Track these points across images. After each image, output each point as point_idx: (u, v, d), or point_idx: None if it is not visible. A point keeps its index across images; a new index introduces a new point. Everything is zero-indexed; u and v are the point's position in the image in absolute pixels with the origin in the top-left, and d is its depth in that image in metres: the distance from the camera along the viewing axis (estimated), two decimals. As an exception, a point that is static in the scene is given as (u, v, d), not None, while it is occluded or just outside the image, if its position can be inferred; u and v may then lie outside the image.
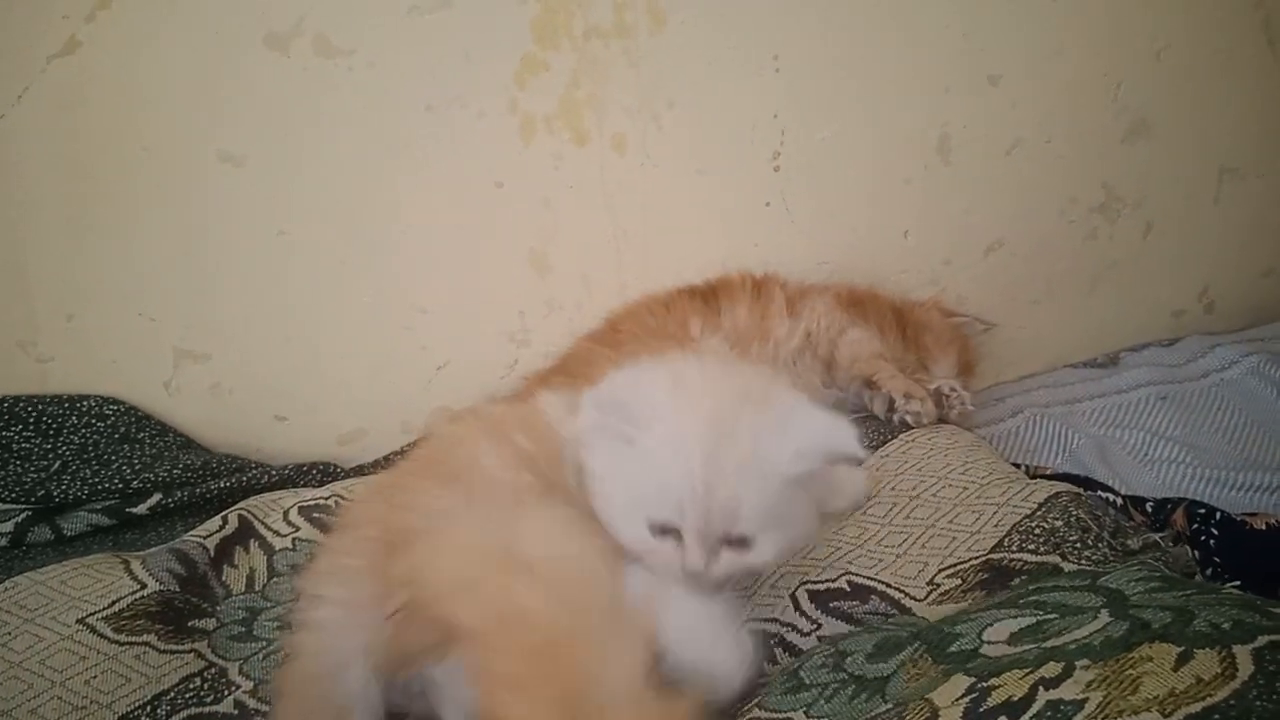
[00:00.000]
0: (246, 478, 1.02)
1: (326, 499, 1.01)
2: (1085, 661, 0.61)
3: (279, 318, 1.04)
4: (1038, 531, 0.85)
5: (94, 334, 1.00)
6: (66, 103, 0.94)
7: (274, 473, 1.04)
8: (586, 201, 1.07)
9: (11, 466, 0.95)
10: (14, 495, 0.93)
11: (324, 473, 1.07)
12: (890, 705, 0.66)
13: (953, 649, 0.70)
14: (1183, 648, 0.58)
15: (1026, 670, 0.63)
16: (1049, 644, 0.65)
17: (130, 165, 0.96)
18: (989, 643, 0.68)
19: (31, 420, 0.97)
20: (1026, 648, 0.66)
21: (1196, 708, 0.53)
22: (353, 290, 1.05)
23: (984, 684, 0.64)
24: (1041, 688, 0.60)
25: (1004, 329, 1.27)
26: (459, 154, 1.02)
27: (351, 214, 1.03)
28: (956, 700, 0.63)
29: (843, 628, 0.81)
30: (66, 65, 0.94)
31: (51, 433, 0.98)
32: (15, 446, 0.96)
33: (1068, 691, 0.59)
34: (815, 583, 0.85)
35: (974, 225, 1.21)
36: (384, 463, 1.10)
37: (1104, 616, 0.67)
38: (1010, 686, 0.62)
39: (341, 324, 1.06)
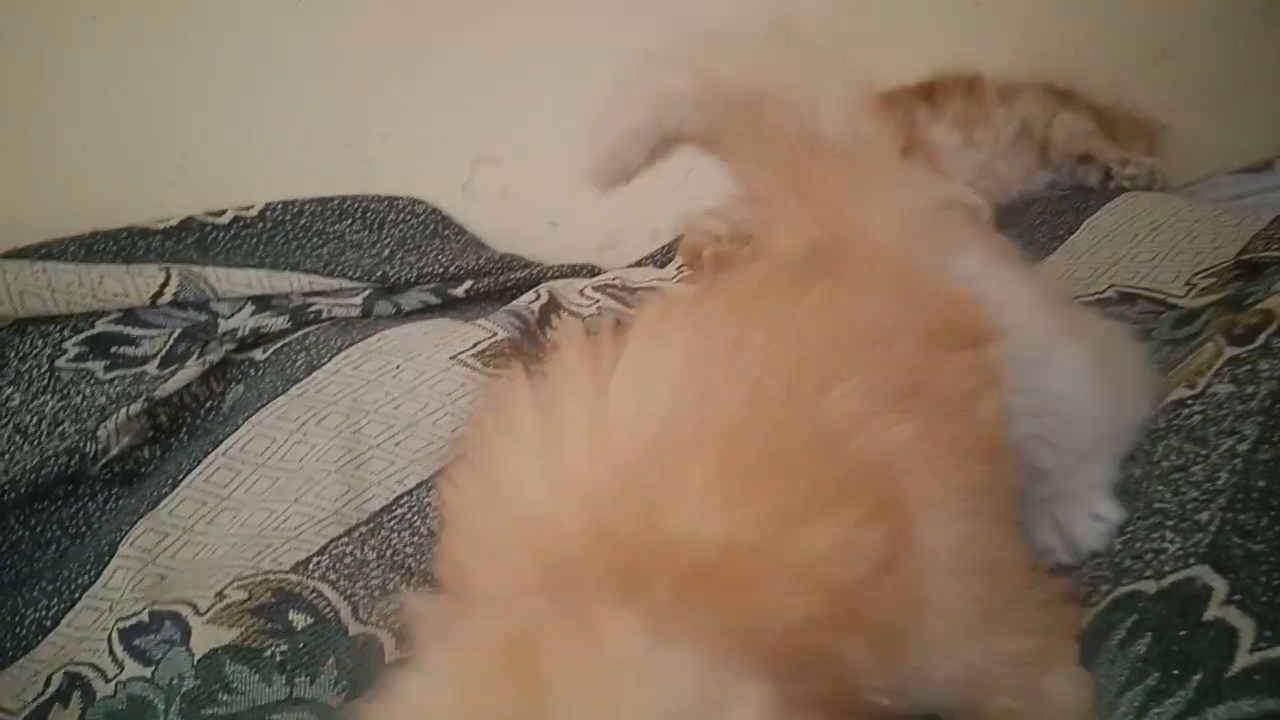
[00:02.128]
0: (534, 271, 1.15)
1: (613, 279, 1.14)
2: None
3: (561, 124, 1.14)
4: (1277, 236, 0.97)
5: (409, 137, 1.13)
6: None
7: (553, 269, 1.17)
8: (816, 6, 1.17)
9: (349, 254, 1.08)
10: (357, 275, 1.06)
11: (591, 273, 1.20)
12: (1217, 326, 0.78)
13: (1250, 300, 0.81)
14: None
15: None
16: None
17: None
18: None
19: (358, 215, 1.11)
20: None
21: None
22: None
23: (1309, 290, 0.75)
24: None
25: (1170, 136, 1.38)
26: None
27: (623, 17, 1.12)
28: (1290, 301, 0.74)
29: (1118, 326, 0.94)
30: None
31: (376, 226, 1.11)
32: (349, 237, 1.09)
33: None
34: (1086, 295, 0.97)
35: (1151, 29, 1.31)
36: (636, 267, 1.23)
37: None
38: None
39: (608, 130, 1.18)
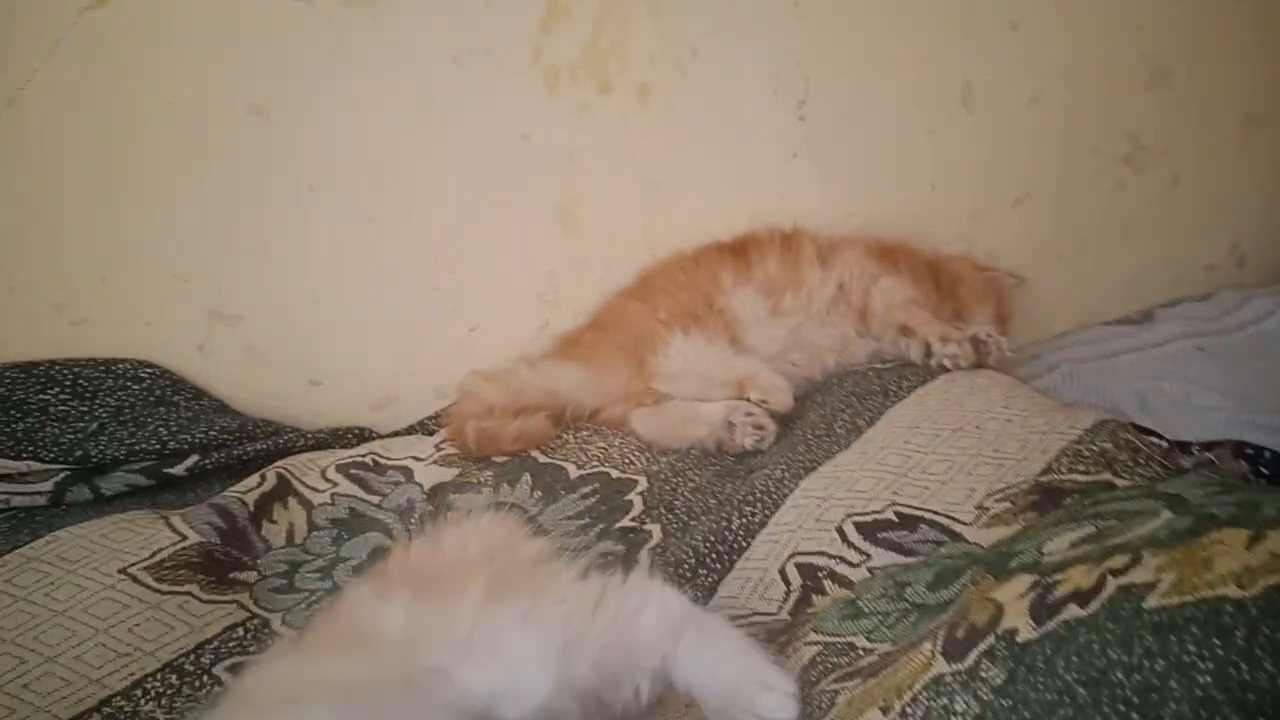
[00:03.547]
0: (282, 441, 1.02)
1: (364, 456, 1.01)
2: (1153, 551, 0.60)
3: (310, 277, 1.04)
4: (1087, 454, 0.84)
5: (128, 295, 1.00)
6: (97, 56, 0.94)
7: (309, 437, 1.04)
8: (612, 154, 1.07)
9: (49, 428, 0.95)
10: (53, 455, 0.93)
11: (359, 437, 1.07)
12: (954, 609, 0.65)
13: (1013, 565, 0.68)
14: (1254, 530, 0.57)
15: (1092, 564, 0.62)
16: (1111, 543, 0.64)
17: (161, 120, 0.97)
18: (1049, 554, 0.67)
19: (68, 383, 0.97)
20: (1089, 549, 0.65)
21: (1275, 579, 0.52)
22: (381, 248, 1.05)
23: (1049, 579, 0.62)
24: (1110, 576, 0.59)
25: (1035, 285, 1.25)
26: (484, 105, 1.02)
27: (378, 168, 1.03)
28: (1022, 595, 0.62)
29: (893, 557, 0.80)
30: (97, 18, 0.93)
31: (88, 395, 0.98)
32: (52, 409, 0.96)
33: (1138, 576, 0.58)
34: (862, 515, 0.84)
35: (1000, 177, 1.20)
36: (418, 428, 1.10)
37: (1166, 514, 0.66)
38: (1077, 579, 0.61)
39: (371, 284, 1.06)
